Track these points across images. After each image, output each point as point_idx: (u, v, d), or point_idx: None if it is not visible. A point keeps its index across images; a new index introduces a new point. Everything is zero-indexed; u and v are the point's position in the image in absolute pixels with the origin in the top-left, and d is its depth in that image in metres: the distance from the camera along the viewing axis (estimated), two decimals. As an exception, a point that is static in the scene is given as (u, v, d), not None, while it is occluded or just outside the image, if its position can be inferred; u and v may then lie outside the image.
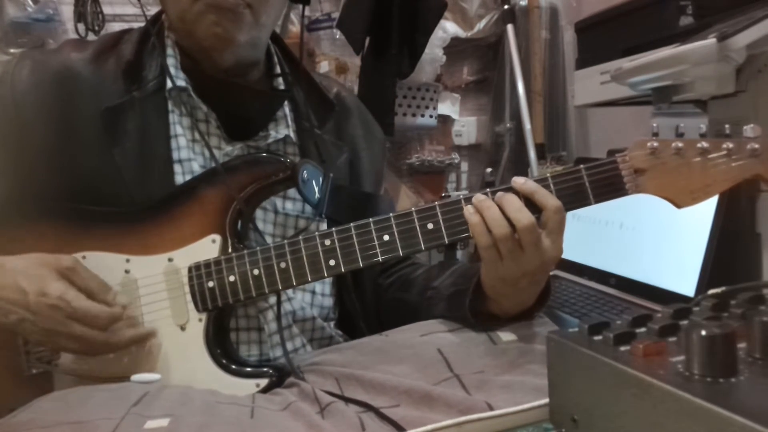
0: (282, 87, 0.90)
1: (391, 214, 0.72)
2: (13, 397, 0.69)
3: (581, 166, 0.70)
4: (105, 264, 0.75)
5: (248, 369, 0.75)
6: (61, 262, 0.71)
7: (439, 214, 0.71)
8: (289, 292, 0.83)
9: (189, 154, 0.81)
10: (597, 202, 0.70)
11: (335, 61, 2.08)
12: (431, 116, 2.16)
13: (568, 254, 0.72)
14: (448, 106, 2.31)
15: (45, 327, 0.69)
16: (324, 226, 0.86)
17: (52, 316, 0.68)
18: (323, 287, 0.89)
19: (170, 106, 0.82)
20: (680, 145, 0.67)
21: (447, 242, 0.71)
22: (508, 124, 2.27)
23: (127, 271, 0.76)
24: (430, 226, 0.71)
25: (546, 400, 0.55)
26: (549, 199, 0.68)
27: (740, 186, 0.67)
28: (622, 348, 0.47)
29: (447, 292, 0.80)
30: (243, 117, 0.85)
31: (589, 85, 1.37)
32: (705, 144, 0.67)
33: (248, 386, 0.73)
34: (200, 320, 0.75)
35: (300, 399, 0.66)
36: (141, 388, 0.68)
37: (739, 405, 0.37)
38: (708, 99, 1.03)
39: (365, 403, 0.62)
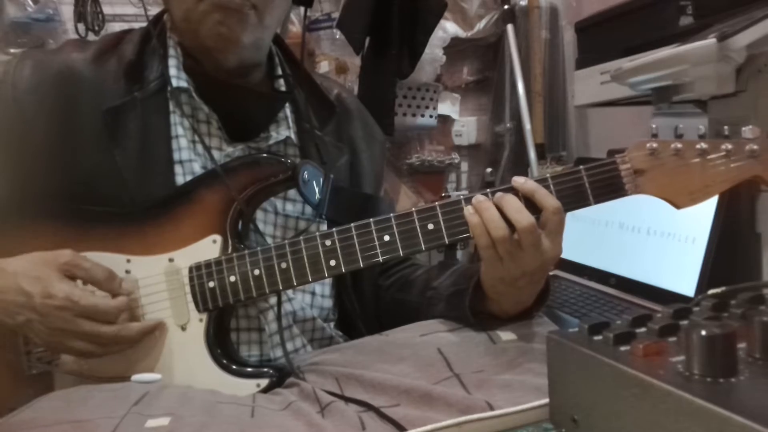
0: (283, 88, 0.90)
1: (391, 215, 0.72)
2: (14, 397, 0.69)
3: (581, 166, 0.70)
4: (105, 264, 0.75)
5: (249, 369, 0.75)
6: (60, 258, 0.71)
7: (439, 214, 0.71)
8: (290, 292, 0.84)
9: (190, 155, 0.81)
10: (597, 202, 0.70)
11: (335, 61, 2.08)
12: (431, 116, 2.16)
13: (568, 254, 0.72)
14: (448, 106, 2.31)
15: (54, 327, 0.69)
16: (324, 227, 0.86)
17: (61, 316, 0.69)
18: (323, 288, 0.89)
19: (172, 107, 0.82)
20: (679, 146, 0.67)
21: (447, 242, 0.71)
22: (508, 124, 2.27)
23: (127, 272, 0.76)
24: (430, 226, 0.71)
25: (546, 400, 0.55)
26: (549, 200, 0.68)
27: (740, 186, 0.67)
28: (622, 348, 0.47)
29: (447, 292, 0.80)
30: (244, 118, 0.85)
31: (589, 85, 1.37)
32: (704, 145, 0.67)
33: (249, 386, 0.73)
34: (201, 320, 0.75)
35: (300, 399, 0.66)
36: (141, 388, 0.68)
37: (739, 405, 0.37)
38: (708, 99, 1.03)
39: (365, 403, 0.62)
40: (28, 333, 0.71)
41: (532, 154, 2.03)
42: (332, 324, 0.91)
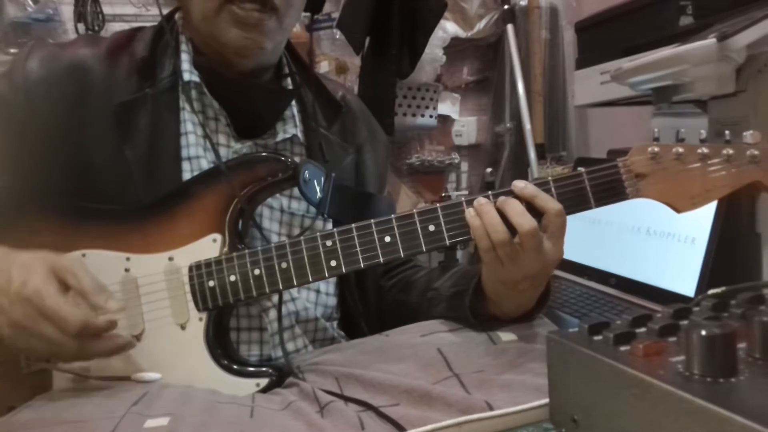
0: (290, 87, 0.91)
1: (392, 216, 0.72)
2: (12, 395, 0.69)
3: (582, 169, 0.71)
4: (105, 262, 0.75)
5: (248, 369, 0.75)
6: (57, 261, 0.68)
7: (440, 216, 0.71)
8: (293, 292, 0.84)
9: (198, 152, 0.81)
10: (598, 206, 0.70)
11: (335, 61, 2.08)
12: (431, 116, 2.17)
13: (568, 254, 0.72)
14: (448, 106, 2.31)
15: (15, 319, 0.64)
16: (330, 225, 0.86)
17: (24, 310, 0.64)
18: (327, 286, 0.89)
19: (182, 103, 0.82)
20: (681, 150, 0.68)
21: (448, 244, 0.71)
22: (508, 124, 2.27)
23: (127, 270, 0.76)
24: (431, 227, 0.71)
25: (546, 400, 0.55)
26: (550, 203, 0.68)
27: (739, 192, 0.67)
28: (622, 348, 0.47)
29: (447, 293, 0.80)
30: (253, 115, 0.86)
31: (589, 85, 1.37)
32: (705, 150, 0.67)
33: (248, 386, 0.73)
34: (200, 319, 0.75)
35: (300, 398, 0.66)
36: (141, 388, 0.68)
37: (739, 405, 0.37)
38: (708, 99, 1.03)
39: (365, 402, 0.62)
40: None
41: (532, 154, 2.03)
42: (335, 323, 0.91)
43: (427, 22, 1.88)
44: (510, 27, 2.14)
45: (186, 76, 0.81)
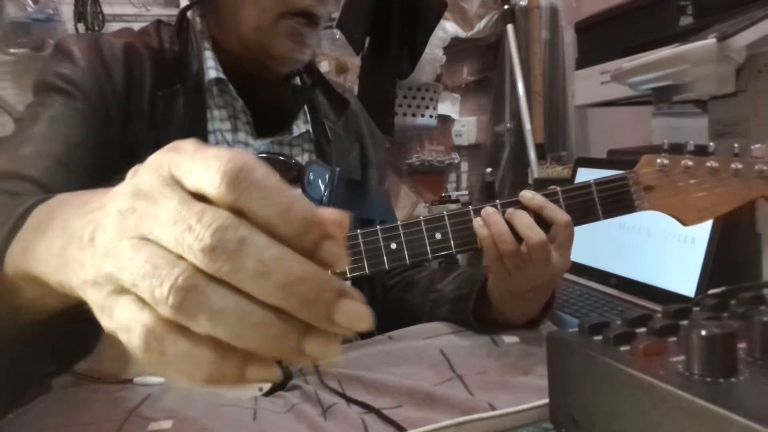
0: (307, 83, 0.93)
1: (398, 223, 0.72)
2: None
3: (591, 181, 0.70)
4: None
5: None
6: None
7: (447, 224, 0.70)
8: None
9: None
10: (606, 218, 0.70)
11: (335, 61, 2.08)
12: (431, 116, 2.17)
13: (568, 254, 0.72)
14: (448, 106, 2.31)
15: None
16: None
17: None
18: None
19: (208, 101, 0.84)
20: (690, 163, 0.67)
21: (455, 253, 0.71)
22: (508, 124, 2.27)
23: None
24: (438, 236, 0.70)
25: (546, 400, 0.55)
26: (558, 214, 0.68)
27: (745, 206, 0.67)
28: (622, 348, 0.47)
29: (450, 296, 0.80)
30: (275, 112, 0.87)
31: (589, 85, 1.37)
32: (714, 164, 0.67)
33: (251, 389, 0.73)
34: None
35: (302, 401, 0.66)
36: (143, 390, 0.68)
37: (739, 405, 0.37)
38: (708, 99, 1.03)
39: (367, 405, 0.62)
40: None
41: (532, 154, 2.03)
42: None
43: (427, 22, 1.88)
44: (510, 27, 2.14)
45: (212, 74, 0.83)
